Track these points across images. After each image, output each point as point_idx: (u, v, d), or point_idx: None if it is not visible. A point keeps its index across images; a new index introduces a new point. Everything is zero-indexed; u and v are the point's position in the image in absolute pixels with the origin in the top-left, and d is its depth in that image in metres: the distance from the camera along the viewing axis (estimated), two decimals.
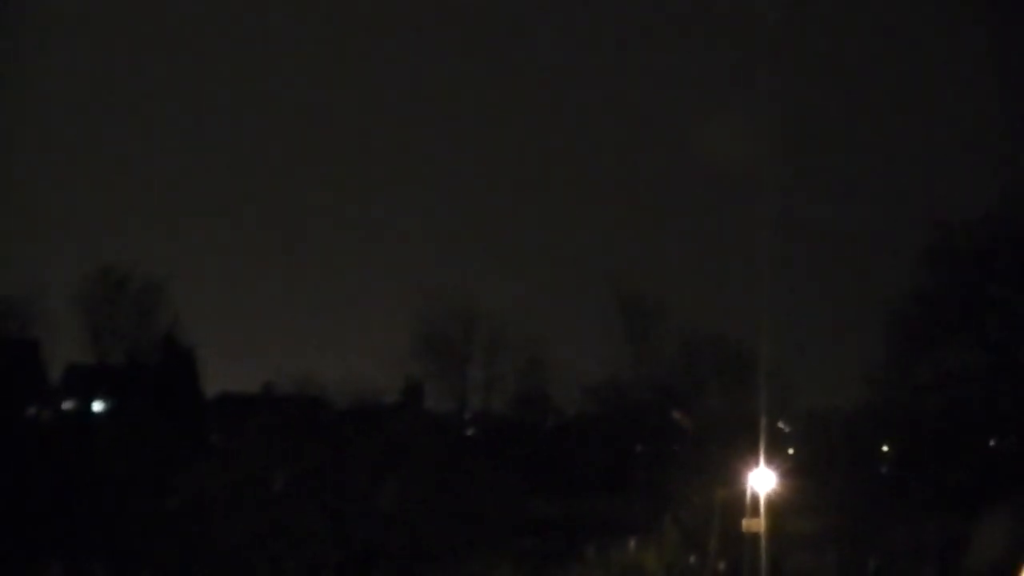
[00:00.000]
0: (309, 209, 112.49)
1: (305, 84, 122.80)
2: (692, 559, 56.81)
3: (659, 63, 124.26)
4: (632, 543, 57.04)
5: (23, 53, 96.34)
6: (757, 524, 51.64)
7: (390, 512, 53.10)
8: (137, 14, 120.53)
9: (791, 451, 62.95)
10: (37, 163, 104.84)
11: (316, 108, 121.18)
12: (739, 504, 53.74)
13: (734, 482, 54.23)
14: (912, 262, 48.62)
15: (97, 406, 69.35)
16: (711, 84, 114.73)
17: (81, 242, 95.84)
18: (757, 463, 52.57)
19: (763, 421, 55.40)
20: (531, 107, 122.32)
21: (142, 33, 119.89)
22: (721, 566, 54.18)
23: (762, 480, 52.22)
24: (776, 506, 52.52)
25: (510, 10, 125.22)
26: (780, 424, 66.52)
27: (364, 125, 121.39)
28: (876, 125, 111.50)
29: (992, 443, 52.13)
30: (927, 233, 48.24)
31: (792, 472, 54.93)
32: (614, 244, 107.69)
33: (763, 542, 50.93)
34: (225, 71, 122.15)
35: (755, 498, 52.07)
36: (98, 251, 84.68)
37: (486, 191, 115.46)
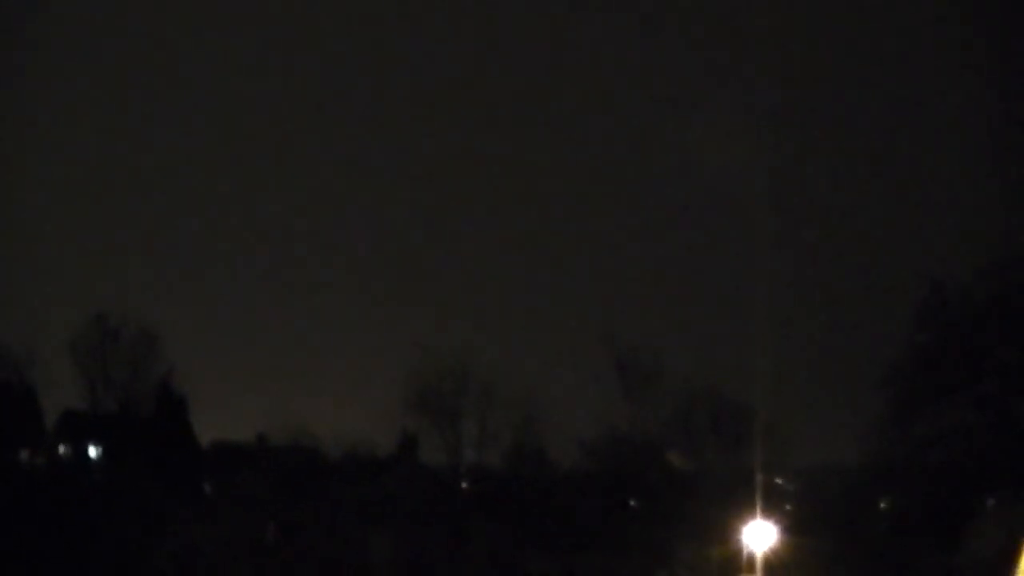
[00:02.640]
0: (304, 261, 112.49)
1: (301, 138, 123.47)
2: None
3: (658, 125, 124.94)
4: None
5: (19, 98, 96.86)
6: None
7: (383, 565, 52.78)
8: (134, 59, 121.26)
9: (788, 507, 62.51)
10: (32, 211, 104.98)
11: (310, 163, 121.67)
12: (736, 561, 53.32)
13: (730, 539, 53.85)
14: (909, 319, 48.63)
15: (92, 452, 69.15)
16: (710, 144, 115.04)
17: (76, 289, 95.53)
18: (754, 520, 52.25)
19: (759, 478, 55.05)
20: (524, 162, 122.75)
21: (137, 84, 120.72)
22: None
23: (759, 537, 51.86)
24: (773, 563, 52.09)
25: (509, 84, 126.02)
26: (778, 480, 66.07)
27: (360, 179, 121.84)
28: (873, 179, 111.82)
29: (991, 501, 51.68)
30: (923, 290, 48.28)
31: (790, 529, 54.53)
32: (609, 298, 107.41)
33: None
34: (220, 121, 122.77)
35: (751, 556, 51.69)
36: (93, 298, 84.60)
37: (479, 245, 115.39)
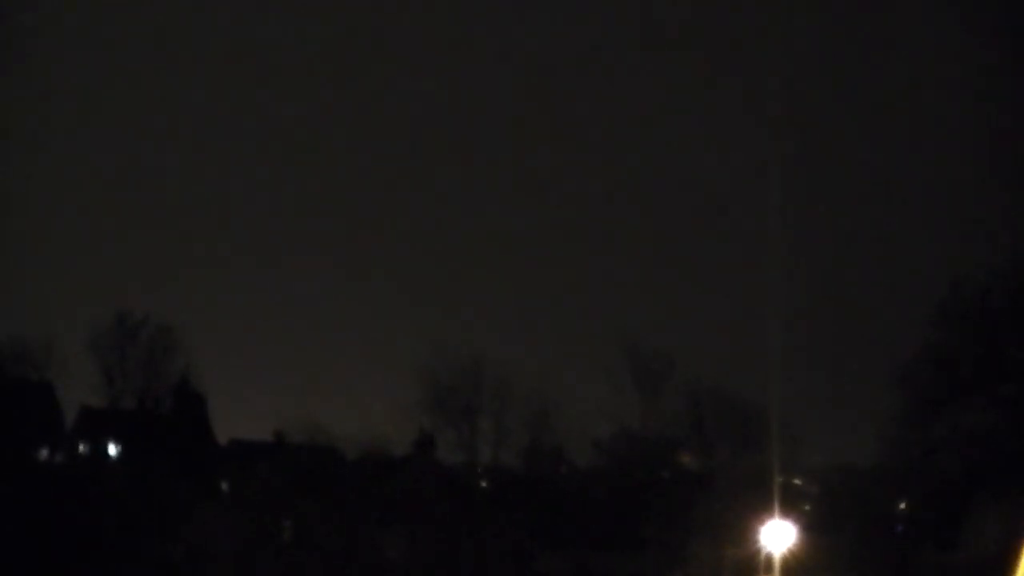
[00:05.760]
0: (323, 261, 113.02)
1: (319, 136, 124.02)
2: None
3: (669, 121, 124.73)
4: None
5: (37, 97, 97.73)
6: None
7: (399, 564, 52.82)
8: (155, 58, 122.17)
9: (806, 508, 62.21)
10: (53, 209, 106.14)
11: (328, 162, 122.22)
12: (750, 561, 53.10)
13: (746, 539, 53.61)
14: (925, 318, 48.29)
15: (111, 450, 69.57)
16: (722, 142, 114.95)
17: (96, 288, 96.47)
18: (770, 519, 52.00)
19: (776, 477, 54.78)
20: (538, 162, 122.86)
21: (157, 82, 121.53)
22: None
23: (777, 537, 51.61)
24: (790, 564, 51.85)
25: (519, 65, 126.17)
26: (796, 481, 65.79)
27: (374, 178, 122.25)
28: (890, 178, 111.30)
29: (1008, 504, 51.29)
30: (941, 290, 47.98)
31: (807, 529, 54.26)
32: (623, 297, 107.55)
33: None
34: (240, 121, 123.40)
35: (769, 556, 51.43)
36: (112, 297, 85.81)
37: (494, 244, 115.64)
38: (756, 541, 52.35)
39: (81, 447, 70.45)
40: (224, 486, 64.63)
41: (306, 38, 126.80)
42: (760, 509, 52.48)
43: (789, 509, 54.61)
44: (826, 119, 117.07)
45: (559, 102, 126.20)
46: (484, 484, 65.73)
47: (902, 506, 60.70)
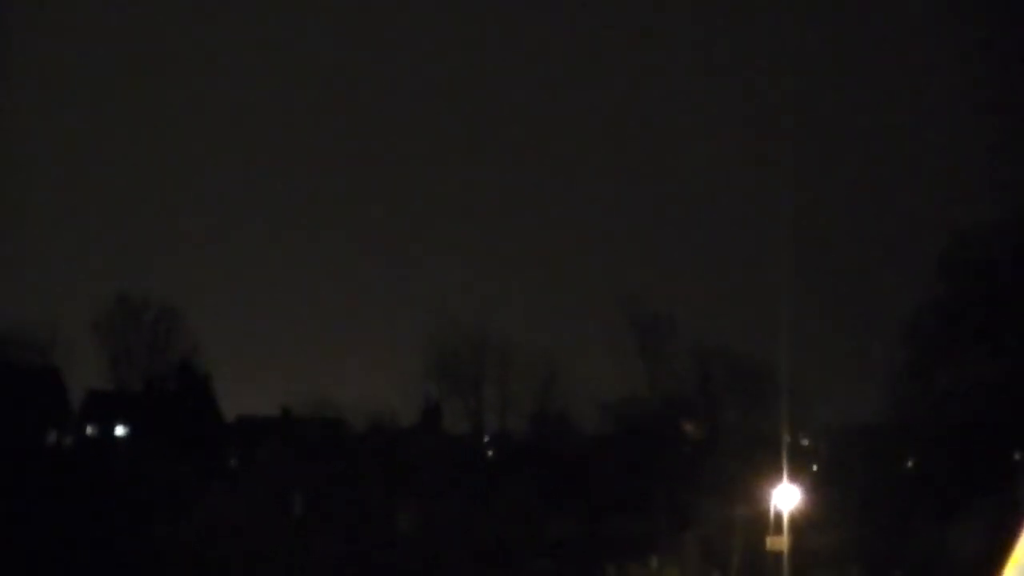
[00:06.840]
0: (323, 233, 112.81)
1: (321, 114, 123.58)
2: None
3: (672, 82, 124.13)
4: (654, 561, 56.55)
5: (40, 82, 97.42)
6: (781, 542, 51.12)
7: (408, 534, 53.00)
8: (153, 45, 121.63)
9: (814, 467, 62.33)
10: (54, 192, 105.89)
11: (330, 137, 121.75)
12: (761, 520, 53.24)
13: (755, 499, 53.74)
14: (929, 271, 48.22)
15: (119, 431, 69.78)
16: (723, 100, 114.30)
17: (98, 269, 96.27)
18: (779, 479, 52.07)
19: (784, 437, 54.84)
20: (542, 128, 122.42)
21: (157, 66, 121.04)
22: None
23: (785, 497, 51.73)
24: (799, 522, 51.96)
25: (527, 47, 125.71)
26: (804, 441, 65.87)
27: (377, 151, 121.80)
28: (891, 132, 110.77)
29: (1016, 456, 51.36)
30: (944, 241, 47.88)
31: (815, 487, 54.37)
32: (627, 260, 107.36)
33: (786, 560, 50.38)
34: (241, 101, 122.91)
35: (778, 515, 51.55)
36: (115, 278, 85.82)
37: (497, 211, 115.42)
38: (765, 500, 52.47)
39: (89, 430, 70.62)
40: (233, 463, 64.83)
41: (310, 28, 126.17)
42: (768, 469, 52.56)
43: (798, 468, 54.70)
44: (831, 68, 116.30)
45: (567, 72, 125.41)
46: (492, 452, 65.88)
47: (910, 464, 60.82)
